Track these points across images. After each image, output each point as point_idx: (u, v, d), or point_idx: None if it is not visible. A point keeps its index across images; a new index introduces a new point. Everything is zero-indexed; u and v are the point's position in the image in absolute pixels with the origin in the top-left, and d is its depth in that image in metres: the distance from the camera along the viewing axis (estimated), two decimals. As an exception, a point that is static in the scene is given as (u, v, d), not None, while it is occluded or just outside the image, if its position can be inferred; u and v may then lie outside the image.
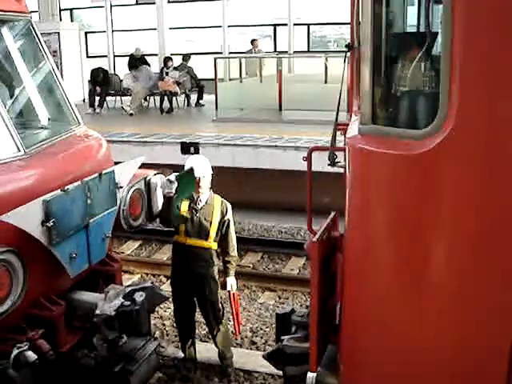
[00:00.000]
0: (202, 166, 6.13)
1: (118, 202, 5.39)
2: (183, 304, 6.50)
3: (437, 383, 2.87)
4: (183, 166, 6.19)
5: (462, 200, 2.61)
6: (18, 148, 4.88)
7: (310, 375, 3.57)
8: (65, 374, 5.12)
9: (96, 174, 5.05)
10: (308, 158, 4.31)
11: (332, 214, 3.96)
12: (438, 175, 2.62)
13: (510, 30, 2.42)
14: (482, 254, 2.63)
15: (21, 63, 5.93)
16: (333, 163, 3.85)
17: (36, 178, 4.81)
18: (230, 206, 6.29)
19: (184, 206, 6.16)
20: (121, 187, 5.38)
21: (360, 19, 3.14)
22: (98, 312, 4.90)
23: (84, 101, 19.14)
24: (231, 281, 6.33)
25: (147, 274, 9.58)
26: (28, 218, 4.39)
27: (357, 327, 3.32)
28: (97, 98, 18.14)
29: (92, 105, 18.01)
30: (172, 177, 5.90)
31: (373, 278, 3.08)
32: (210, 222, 6.16)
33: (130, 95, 17.79)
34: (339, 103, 3.81)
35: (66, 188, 4.68)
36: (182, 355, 6.75)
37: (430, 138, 2.60)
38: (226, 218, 6.22)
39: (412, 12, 3.59)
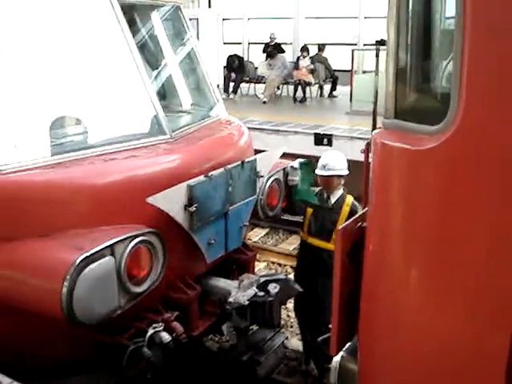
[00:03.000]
0: (334, 164, 5.77)
1: (257, 191, 5.35)
2: (301, 298, 6.39)
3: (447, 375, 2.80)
4: (317, 157, 5.98)
5: (469, 196, 2.61)
6: (165, 131, 4.94)
7: (335, 359, 3.70)
8: (192, 356, 5.18)
9: (239, 162, 5.03)
10: (365, 151, 4.35)
11: None
12: (447, 171, 2.65)
13: None
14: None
15: (168, 47, 6.03)
16: None
17: (181, 163, 4.83)
18: (360, 210, 5.97)
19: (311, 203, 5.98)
20: (261, 176, 5.34)
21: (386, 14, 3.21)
22: (231, 300, 4.91)
23: (218, 86, 19.44)
24: None
25: (273, 263, 9.57)
26: (172, 202, 4.42)
27: (371, 316, 3.36)
28: (231, 84, 18.44)
29: (226, 90, 18.38)
30: (296, 163, 5.77)
31: (389, 270, 3.12)
32: (334, 224, 5.74)
33: (264, 83, 17.91)
34: (376, 96, 3.86)
35: (210, 174, 4.69)
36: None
37: (441, 133, 2.62)
38: None
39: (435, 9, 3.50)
